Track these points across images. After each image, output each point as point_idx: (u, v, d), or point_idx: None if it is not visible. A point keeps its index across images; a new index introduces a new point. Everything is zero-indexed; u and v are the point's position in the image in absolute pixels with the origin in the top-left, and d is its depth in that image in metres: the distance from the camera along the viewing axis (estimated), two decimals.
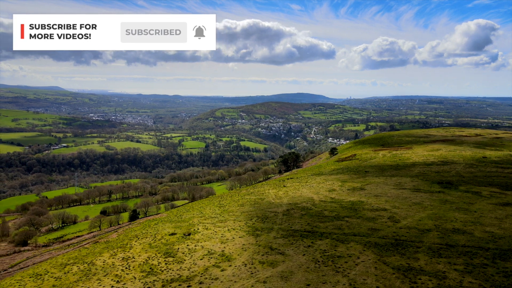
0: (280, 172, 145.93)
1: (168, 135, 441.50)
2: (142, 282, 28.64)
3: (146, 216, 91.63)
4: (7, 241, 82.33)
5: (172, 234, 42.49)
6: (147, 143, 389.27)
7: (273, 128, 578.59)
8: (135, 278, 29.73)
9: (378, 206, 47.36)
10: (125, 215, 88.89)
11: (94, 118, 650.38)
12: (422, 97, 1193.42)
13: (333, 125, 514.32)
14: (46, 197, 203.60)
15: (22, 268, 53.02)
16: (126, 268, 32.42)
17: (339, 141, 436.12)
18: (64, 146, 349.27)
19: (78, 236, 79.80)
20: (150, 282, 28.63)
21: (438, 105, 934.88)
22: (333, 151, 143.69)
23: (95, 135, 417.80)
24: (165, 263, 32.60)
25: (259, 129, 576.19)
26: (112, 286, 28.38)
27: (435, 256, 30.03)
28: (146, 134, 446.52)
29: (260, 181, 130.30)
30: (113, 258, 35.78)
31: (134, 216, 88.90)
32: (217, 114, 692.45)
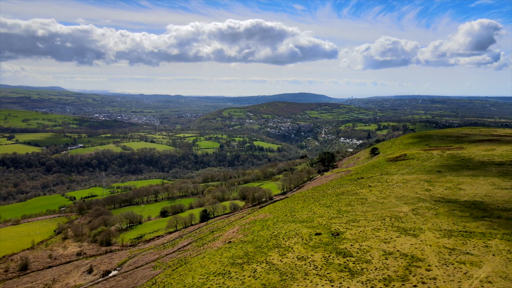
0: (319, 172, 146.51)
1: (181, 135, 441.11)
2: (358, 282, 29.23)
3: (215, 216, 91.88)
4: (86, 241, 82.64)
5: (317, 234, 43.12)
6: (161, 143, 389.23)
7: (282, 128, 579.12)
8: (342, 278, 30.34)
9: (504, 207, 48.13)
10: (196, 215, 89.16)
11: (101, 118, 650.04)
12: (425, 96, 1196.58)
13: (344, 125, 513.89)
14: (74, 197, 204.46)
15: (138, 267, 53.23)
16: (315, 267, 33.02)
17: (351, 140, 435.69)
18: (81, 147, 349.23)
19: (158, 236, 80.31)
20: (363, 282, 29.23)
21: (441, 105, 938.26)
22: (373, 151, 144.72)
23: (109, 135, 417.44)
24: (352, 263, 33.22)
25: (268, 129, 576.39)
26: (332, 286, 28.95)
27: None
28: (158, 134, 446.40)
29: (305, 181, 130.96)
30: (286, 258, 36.38)
31: (205, 216, 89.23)
32: (224, 114, 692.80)
